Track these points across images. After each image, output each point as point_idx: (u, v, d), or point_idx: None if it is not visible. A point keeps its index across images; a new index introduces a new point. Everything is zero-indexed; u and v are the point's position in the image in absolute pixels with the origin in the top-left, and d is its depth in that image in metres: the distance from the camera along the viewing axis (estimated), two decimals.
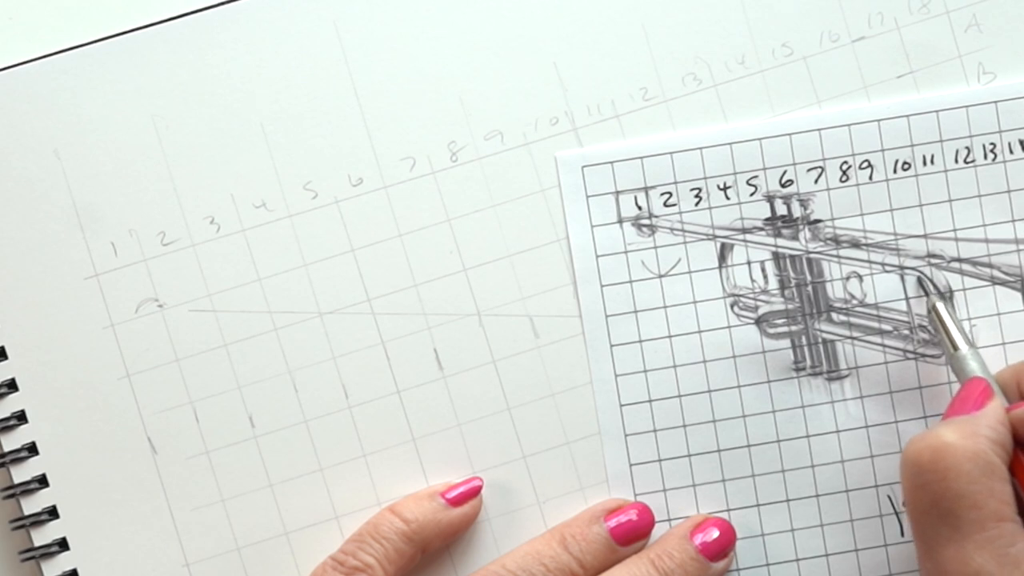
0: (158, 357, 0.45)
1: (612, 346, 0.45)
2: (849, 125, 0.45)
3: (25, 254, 0.45)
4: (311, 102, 0.45)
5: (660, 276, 0.45)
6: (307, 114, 0.45)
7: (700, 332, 0.45)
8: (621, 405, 0.45)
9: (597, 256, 0.45)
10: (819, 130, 0.45)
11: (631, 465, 0.45)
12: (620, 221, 0.45)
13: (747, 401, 0.45)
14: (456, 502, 0.44)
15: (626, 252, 0.45)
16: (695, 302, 0.45)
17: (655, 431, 0.45)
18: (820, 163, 0.45)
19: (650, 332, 0.45)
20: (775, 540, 0.45)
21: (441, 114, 0.45)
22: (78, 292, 0.45)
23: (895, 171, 0.44)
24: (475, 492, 0.44)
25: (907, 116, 0.44)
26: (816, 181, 0.45)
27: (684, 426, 0.45)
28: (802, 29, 0.45)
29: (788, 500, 0.45)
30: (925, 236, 0.45)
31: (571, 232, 0.45)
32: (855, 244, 0.45)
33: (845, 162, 0.44)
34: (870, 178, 0.44)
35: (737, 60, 0.45)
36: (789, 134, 0.45)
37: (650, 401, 0.45)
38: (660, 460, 0.45)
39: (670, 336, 0.45)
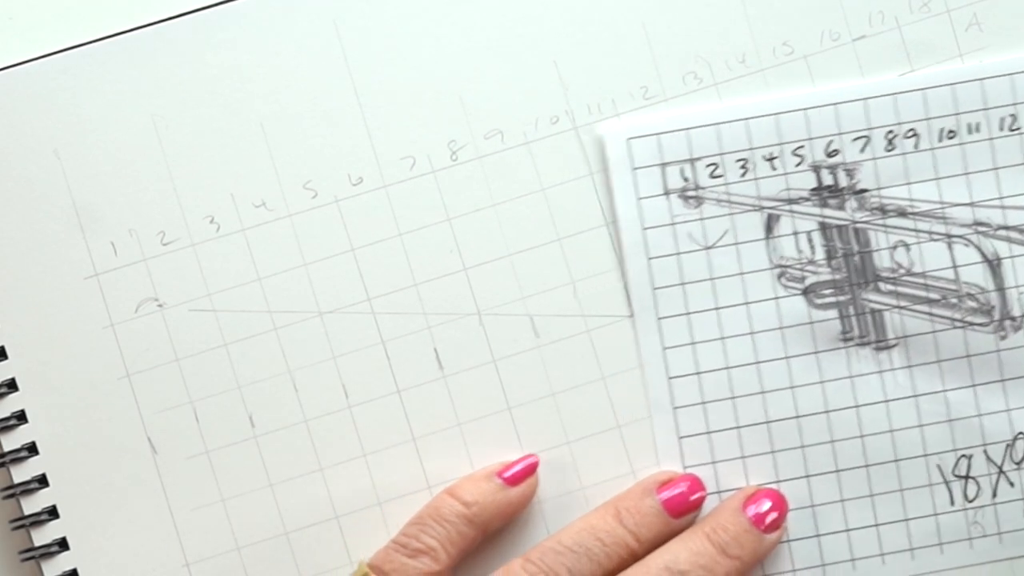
0: (158, 357, 0.45)
1: (659, 319, 0.45)
2: (894, 94, 0.44)
3: (25, 254, 0.45)
4: (311, 102, 0.45)
5: (707, 248, 0.45)
6: (307, 114, 0.45)
7: (747, 303, 0.45)
8: (669, 378, 0.45)
9: (644, 228, 0.44)
10: (864, 99, 0.44)
11: (680, 438, 0.45)
12: (666, 193, 0.45)
13: (795, 372, 0.45)
14: (513, 481, 0.44)
15: (673, 224, 0.45)
16: (742, 273, 0.45)
17: (703, 403, 0.45)
18: (866, 132, 0.44)
19: (697, 304, 0.45)
20: (825, 511, 0.45)
21: (441, 113, 0.45)
22: (78, 292, 0.45)
23: (940, 139, 0.44)
24: (531, 470, 0.44)
25: (951, 85, 0.44)
26: (862, 150, 0.44)
27: (732, 398, 0.45)
28: (803, 28, 0.45)
29: (838, 471, 0.45)
30: (971, 204, 0.44)
31: (617, 205, 0.44)
32: (901, 213, 0.44)
33: (891, 131, 0.44)
34: (915, 147, 0.44)
35: (738, 59, 0.45)
36: (834, 104, 0.44)
37: (698, 373, 0.45)
38: (709, 432, 0.45)
39: (717, 308, 0.45)
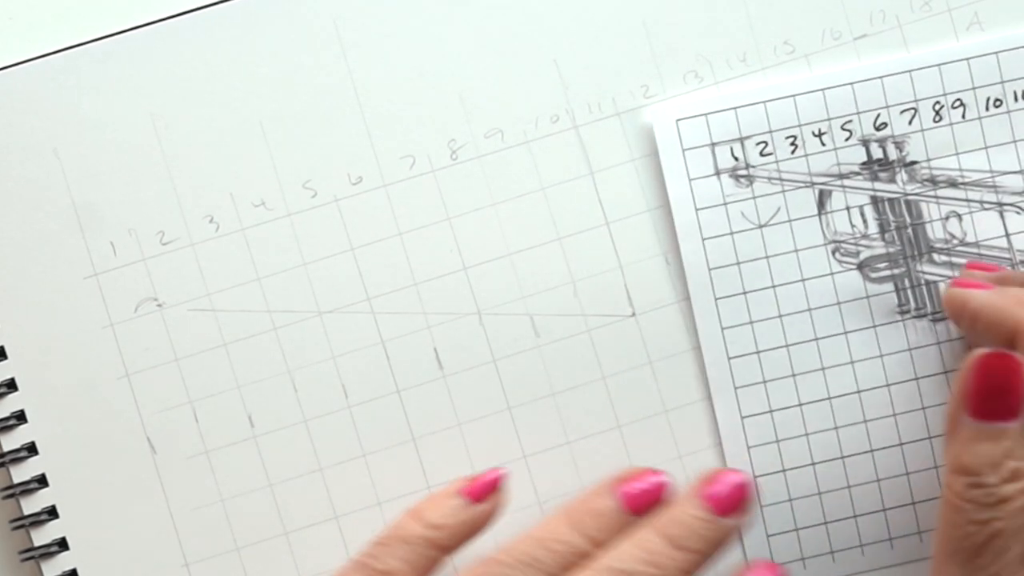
0: (157, 357, 0.45)
1: (717, 299, 0.45)
2: (939, 65, 0.44)
3: (25, 254, 0.45)
4: (311, 101, 0.45)
5: (760, 226, 0.45)
6: (307, 113, 0.45)
7: (803, 280, 0.45)
8: (729, 358, 0.45)
9: (697, 210, 0.45)
10: (910, 72, 0.44)
11: (743, 418, 0.45)
12: (717, 173, 0.45)
13: (854, 347, 0.45)
14: (478, 497, 0.42)
15: (725, 204, 0.45)
16: (796, 250, 0.45)
17: (764, 382, 0.45)
18: (913, 104, 0.44)
19: (753, 283, 0.45)
20: (890, 485, 0.45)
21: (441, 112, 0.45)
22: (77, 292, 0.45)
23: (987, 108, 0.44)
24: (495, 485, 0.42)
25: (996, 53, 0.44)
26: (910, 123, 0.44)
27: (793, 375, 0.45)
28: (803, 27, 0.45)
29: (901, 444, 0.45)
30: (1021, 172, 0.45)
31: (669, 187, 0.44)
32: (952, 184, 0.45)
33: (937, 102, 0.44)
34: (963, 117, 0.45)
35: (739, 58, 0.45)
36: (881, 77, 0.44)
37: (758, 352, 0.45)
38: (771, 411, 0.45)
39: (774, 286, 0.45)
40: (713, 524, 0.39)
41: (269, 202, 0.45)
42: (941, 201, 0.45)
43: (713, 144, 0.45)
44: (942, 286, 0.45)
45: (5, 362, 0.45)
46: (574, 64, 0.45)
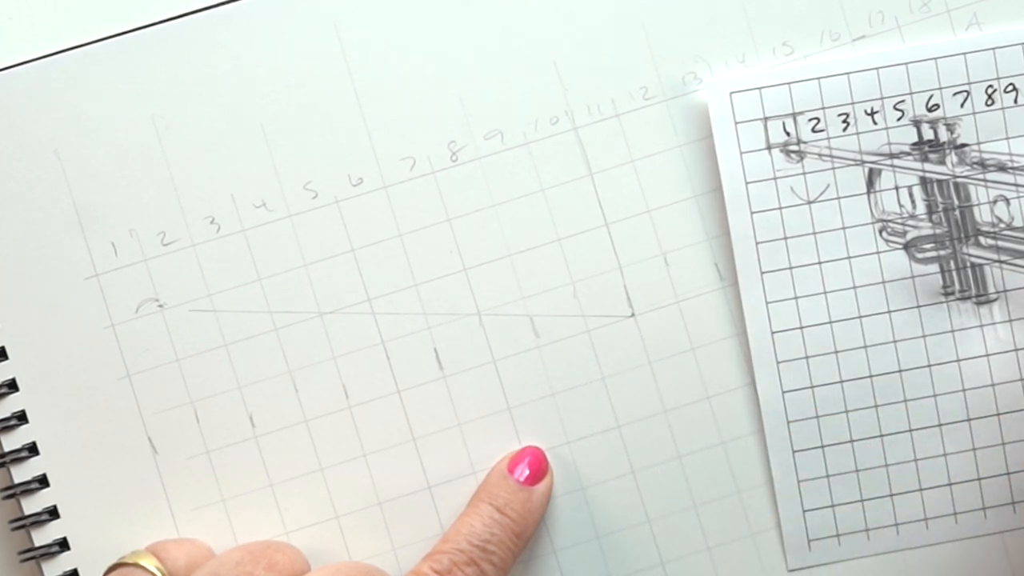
0: (158, 357, 0.45)
1: (763, 273, 0.45)
2: (993, 49, 0.45)
3: (25, 254, 0.45)
4: (311, 102, 0.45)
5: (809, 202, 0.45)
6: (307, 114, 0.45)
7: (849, 258, 0.45)
8: (772, 332, 0.45)
9: (747, 183, 0.45)
10: (964, 54, 0.45)
11: (784, 392, 0.45)
12: (769, 147, 0.45)
13: (897, 326, 0.45)
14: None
15: (775, 178, 0.45)
16: (844, 228, 0.45)
17: (807, 358, 0.45)
18: (966, 87, 0.45)
19: (800, 258, 0.45)
20: (928, 465, 0.45)
21: (441, 114, 0.45)
22: (78, 292, 0.45)
23: None
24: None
25: None
26: (962, 105, 0.45)
27: (835, 352, 0.45)
28: (802, 28, 0.45)
29: (940, 425, 0.45)
30: None
31: (720, 158, 0.45)
32: (1001, 168, 0.45)
33: (990, 86, 0.45)
34: (1015, 101, 0.45)
35: (738, 59, 0.45)
36: (935, 58, 0.45)
37: (801, 328, 0.45)
38: (812, 387, 0.45)
39: (820, 262, 0.45)
40: (527, 494, 0.44)
41: (270, 203, 0.45)
42: (990, 184, 0.45)
43: (766, 118, 0.45)
44: (987, 269, 0.45)
45: (6, 362, 0.45)
46: (573, 66, 0.45)
